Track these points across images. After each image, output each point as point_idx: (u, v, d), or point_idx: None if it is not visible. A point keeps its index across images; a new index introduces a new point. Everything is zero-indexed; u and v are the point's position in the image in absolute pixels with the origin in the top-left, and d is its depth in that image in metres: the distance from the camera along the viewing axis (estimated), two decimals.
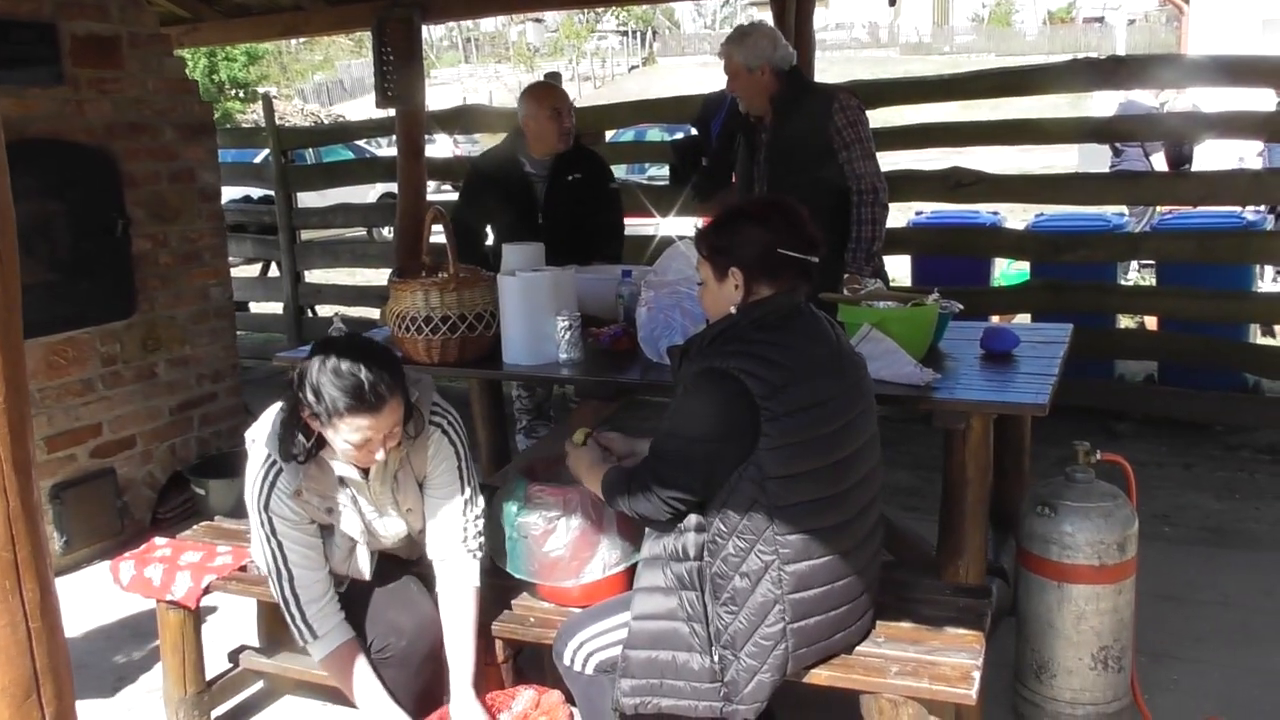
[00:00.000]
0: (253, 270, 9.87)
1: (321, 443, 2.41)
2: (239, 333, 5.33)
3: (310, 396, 2.31)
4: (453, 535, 2.59)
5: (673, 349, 2.44)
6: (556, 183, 4.39)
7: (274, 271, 9.07)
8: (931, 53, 38.02)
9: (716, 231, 2.33)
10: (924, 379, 2.81)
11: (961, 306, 3.30)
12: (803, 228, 2.28)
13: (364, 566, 2.61)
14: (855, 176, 3.93)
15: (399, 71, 5.87)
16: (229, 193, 8.60)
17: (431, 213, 3.39)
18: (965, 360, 3.14)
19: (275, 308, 8.27)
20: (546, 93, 4.41)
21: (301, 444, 2.40)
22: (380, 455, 2.38)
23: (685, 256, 3.15)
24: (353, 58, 41.25)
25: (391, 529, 2.61)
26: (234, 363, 5.01)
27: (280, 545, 2.49)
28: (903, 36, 41.05)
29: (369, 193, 13.33)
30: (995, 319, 5.63)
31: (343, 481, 2.50)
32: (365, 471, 2.49)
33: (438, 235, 3.39)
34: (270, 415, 2.52)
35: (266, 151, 8.08)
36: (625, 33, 45.73)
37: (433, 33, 44.16)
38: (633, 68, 42.42)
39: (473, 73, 42.96)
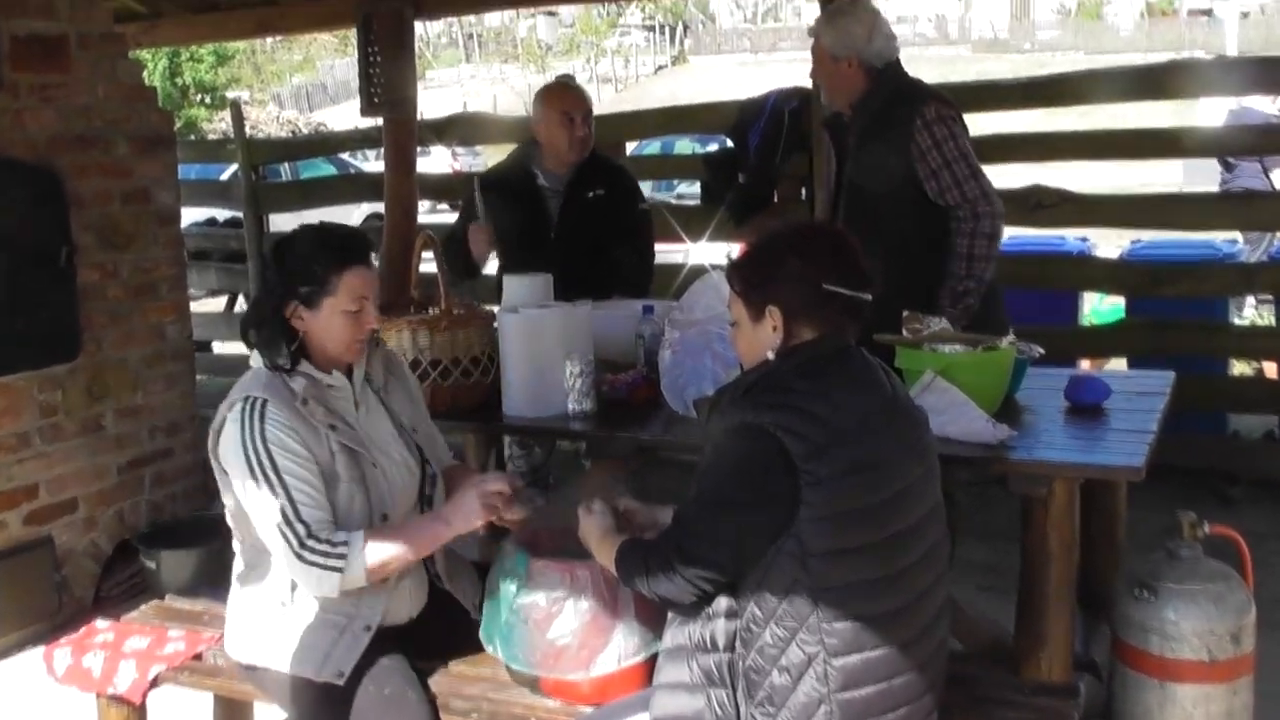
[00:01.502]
0: (217, 304, 9.94)
1: (301, 353, 2.60)
2: (200, 378, 5.36)
3: (300, 266, 2.57)
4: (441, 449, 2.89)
5: (701, 401, 2.44)
6: (574, 199, 4.40)
7: (241, 305, 9.14)
8: (1009, 51, 38.15)
9: (751, 263, 2.33)
10: (997, 436, 2.79)
11: (1042, 350, 3.29)
12: (852, 259, 2.28)
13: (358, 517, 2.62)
14: (951, 204, 3.72)
15: (388, 74, 5.95)
16: (191, 214, 8.70)
17: (422, 238, 3.42)
18: (1047, 414, 3.13)
19: (242, 347, 8.30)
20: (558, 94, 4.45)
21: (285, 350, 2.58)
22: (375, 323, 2.64)
23: (717, 289, 3.16)
24: (337, 57, 41.84)
25: (393, 455, 2.72)
26: (192, 413, 5.04)
27: (285, 485, 2.49)
28: (975, 32, 41.29)
29: (352, 214, 13.43)
30: (1084, 364, 5.60)
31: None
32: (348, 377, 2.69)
33: (429, 263, 3.41)
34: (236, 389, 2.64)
35: (235, 167, 8.17)
36: (652, 28, 46.21)
37: (429, 29, 44.77)
38: (660, 68, 42.82)
39: (475, 74, 43.50)
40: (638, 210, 4.56)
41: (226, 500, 2.66)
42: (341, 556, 2.47)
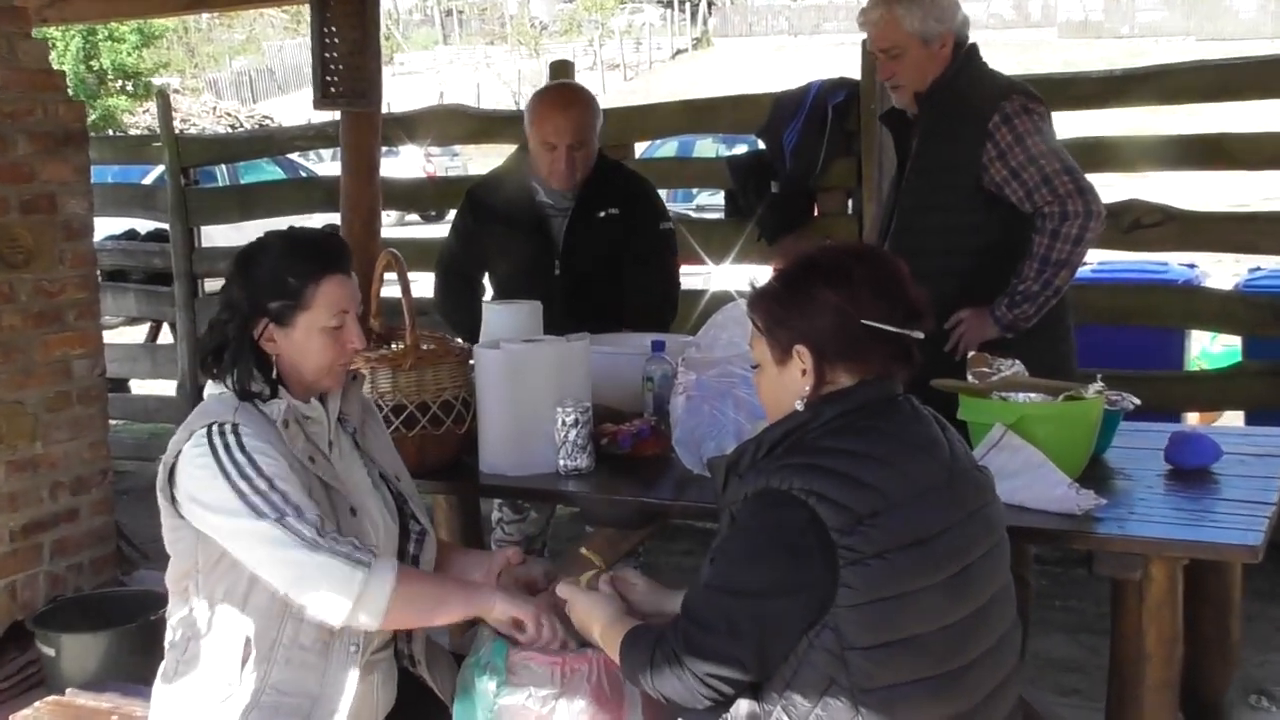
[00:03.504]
0: (137, 334, 9.97)
1: (273, 389, 2.63)
2: (114, 423, 5.37)
3: (270, 277, 2.62)
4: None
5: (716, 461, 2.43)
6: (582, 219, 4.32)
7: (166, 336, 9.17)
8: (1103, 35, 38.33)
9: (776, 294, 2.34)
10: (1082, 505, 2.79)
11: (1139, 401, 3.29)
12: (899, 289, 2.29)
13: None
14: (1040, 205, 3.65)
15: (347, 59, 5.98)
16: (107, 226, 8.74)
17: (384, 257, 3.42)
18: (1143, 479, 3.13)
19: (167, 387, 8.34)
20: (546, 113, 4.28)
21: (258, 377, 2.62)
22: (358, 341, 2.70)
23: (743, 322, 3.16)
24: (287, 37, 42.18)
25: (369, 508, 2.74)
26: (104, 467, 5.04)
27: (279, 490, 2.49)
28: (1063, 13, 41.43)
29: None
30: (1190, 419, 5.59)
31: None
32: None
33: (391, 286, 3.41)
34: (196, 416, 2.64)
35: (161, 169, 8.21)
36: (670, 4, 46.49)
37: (398, 4, 45.18)
38: (679, 52, 43.09)
39: (454, 58, 43.82)
40: (659, 230, 4.47)
41: (173, 549, 2.65)
42: (370, 553, 2.51)
